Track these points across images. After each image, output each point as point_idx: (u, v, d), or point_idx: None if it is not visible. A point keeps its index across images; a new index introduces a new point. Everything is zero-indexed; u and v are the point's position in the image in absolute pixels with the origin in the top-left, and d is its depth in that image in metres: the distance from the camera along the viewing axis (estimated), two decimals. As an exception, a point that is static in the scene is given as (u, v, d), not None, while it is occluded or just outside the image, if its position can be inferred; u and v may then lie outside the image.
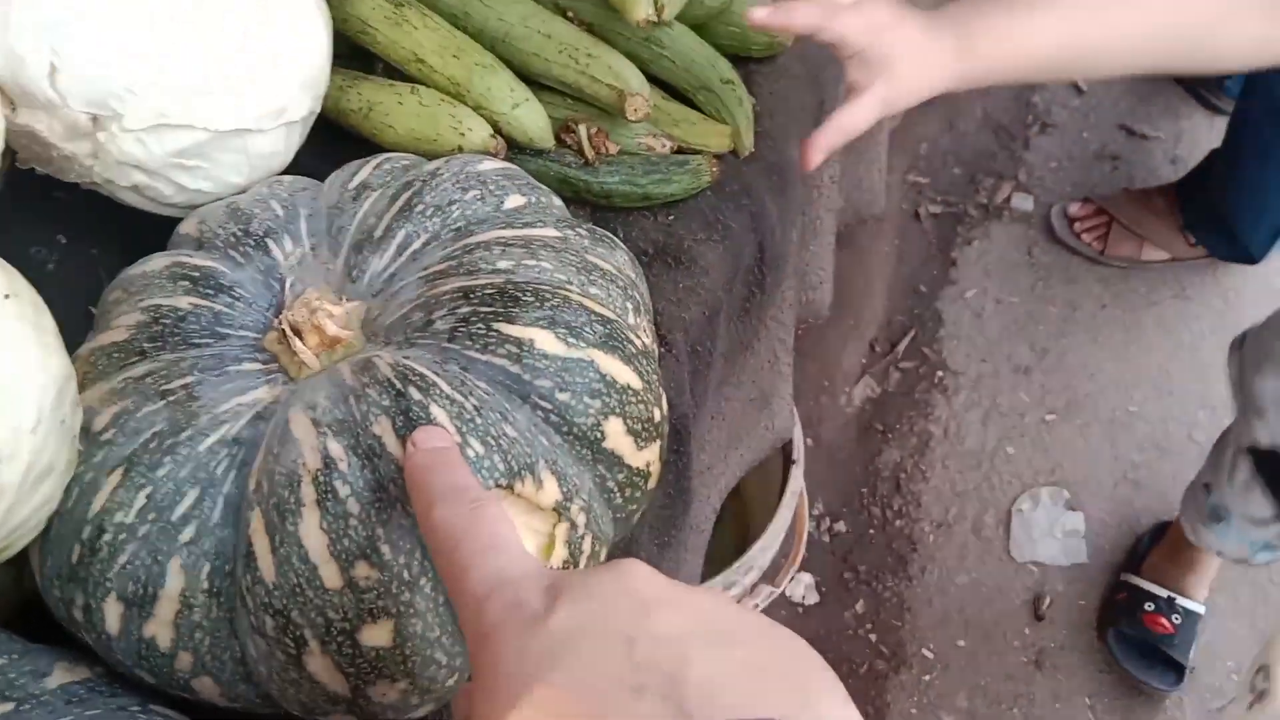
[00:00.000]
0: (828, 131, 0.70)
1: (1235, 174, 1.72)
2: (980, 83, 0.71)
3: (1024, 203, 2.06)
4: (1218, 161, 1.78)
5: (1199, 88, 2.13)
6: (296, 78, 0.66)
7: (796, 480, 1.31)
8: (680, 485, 0.76)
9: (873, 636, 1.61)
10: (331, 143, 0.75)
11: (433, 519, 0.39)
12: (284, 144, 0.67)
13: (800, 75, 0.84)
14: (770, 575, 1.32)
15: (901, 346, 1.89)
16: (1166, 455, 1.72)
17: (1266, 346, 1.21)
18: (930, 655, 1.58)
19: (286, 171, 0.71)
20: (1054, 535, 1.66)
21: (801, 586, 1.67)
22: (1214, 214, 1.79)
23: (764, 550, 1.27)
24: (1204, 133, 2.11)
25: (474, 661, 0.34)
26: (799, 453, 1.32)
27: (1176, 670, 1.50)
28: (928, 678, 1.56)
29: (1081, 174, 2.10)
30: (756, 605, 1.30)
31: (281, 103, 0.65)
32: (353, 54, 0.78)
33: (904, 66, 0.69)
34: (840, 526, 1.73)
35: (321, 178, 0.66)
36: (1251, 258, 1.79)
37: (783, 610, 1.63)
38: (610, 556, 0.59)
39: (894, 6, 0.71)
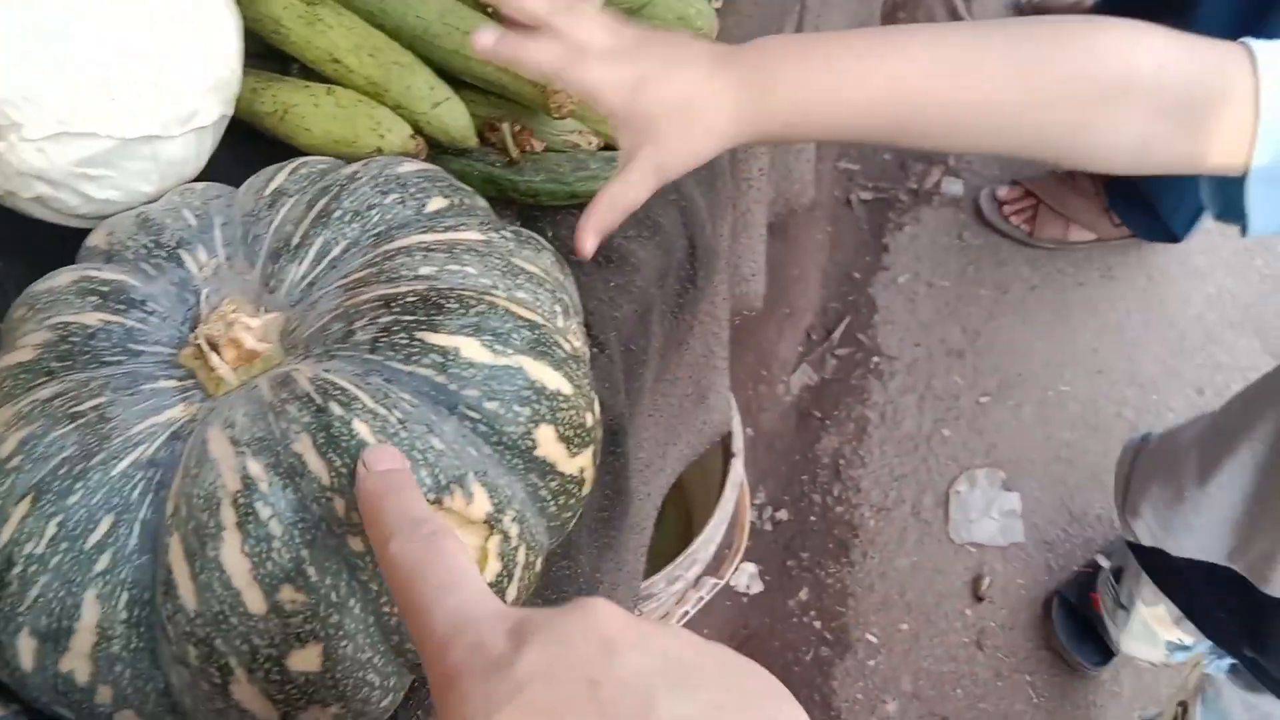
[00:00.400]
0: (598, 211, 0.61)
1: (1156, 155, 1.74)
2: (783, 138, 0.62)
3: (953, 187, 2.08)
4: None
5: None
6: (206, 81, 0.63)
7: (737, 472, 1.31)
8: (618, 486, 0.76)
9: (817, 623, 1.62)
10: (247, 146, 0.73)
11: (390, 553, 0.39)
12: (195, 150, 0.65)
13: (726, 68, 0.83)
14: (714, 567, 1.32)
15: (837, 334, 1.91)
16: (1097, 433, 1.76)
17: (1163, 460, 1.13)
18: (874, 640, 1.59)
19: (200, 178, 0.69)
20: (991, 516, 1.69)
21: (745, 576, 1.67)
22: (1137, 194, 1.82)
23: (707, 543, 1.27)
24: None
25: (438, 704, 0.34)
26: (739, 445, 1.32)
27: (1106, 652, 1.52)
28: (872, 662, 1.57)
29: (1016, 165, 2.13)
30: (701, 597, 1.30)
31: (191, 107, 0.63)
32: (266, 54, 0.75)
33: (671, 129, 0.58)
34: (782, 515, 1.73)
35: (237, 183, 0.64)
36: (1174, 236, 1.83)
37: (727, 600, 1.63)
38: (547, 563, 0.58)
39: (668, 48, 0.60)
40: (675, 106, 0.57)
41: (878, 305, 1.94)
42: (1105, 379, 1.82)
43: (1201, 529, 1.00)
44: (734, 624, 1.62)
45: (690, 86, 0.58)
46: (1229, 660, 1.13)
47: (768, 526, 1.73)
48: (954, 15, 2.33)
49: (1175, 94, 0.59)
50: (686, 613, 1.30)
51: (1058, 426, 1.77)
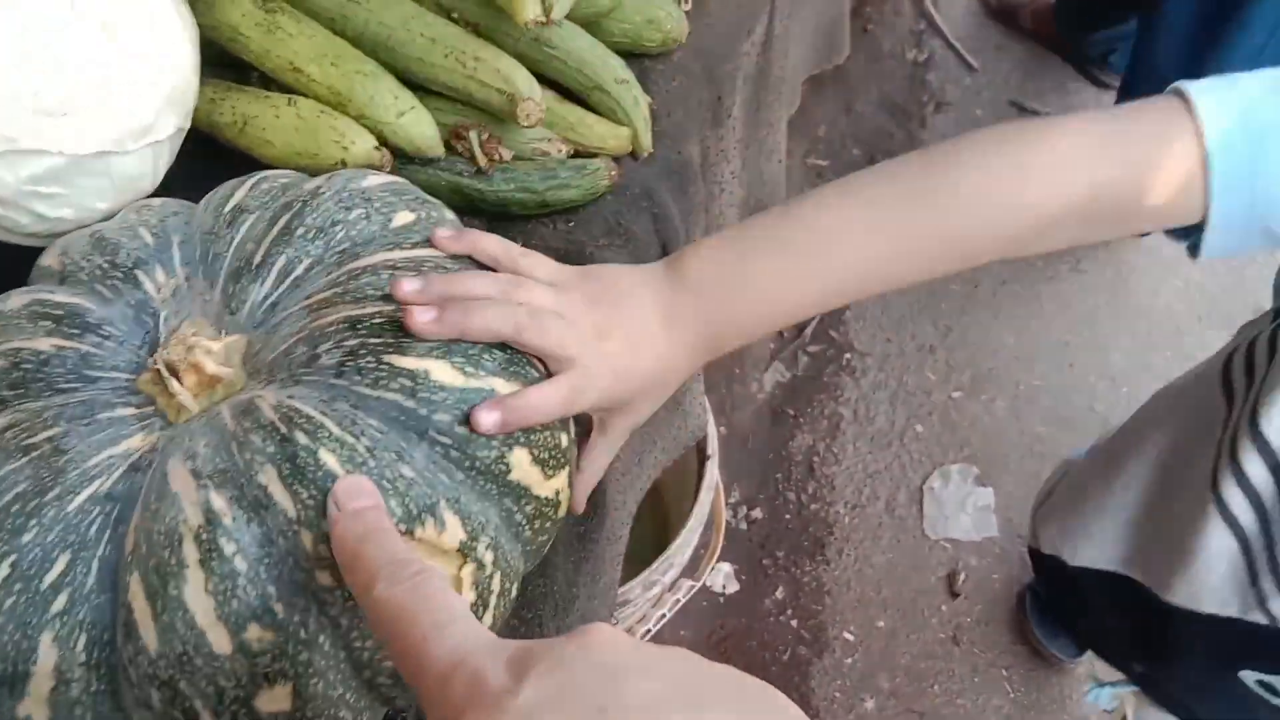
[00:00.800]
0: (586, 483, 0.61)
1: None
2: (729, 349, 0.61)
3: (922, 181, 2.08)
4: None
5: (1087, 64, 2.17)
6: (160, 94, 0.61)
7: (712, 475, 1.30)
8: (595, 500, 0.74)
9: (794, 622, 1.61)
10: (206, 158, 0.71)
11: (375, 597, 0.38)
12: (151, 165, 0.63)
13: (697, 71, 0.82)
14: (690, 569, 1.31)
15: (808, 330, 1.90)
16: (1069, 427, 1.76)
17: (1079, 469, 1.14)
18: (851, 638, 1.59)
19: (157, 193, 0.66)
20: (965, 511, 1.69)
21: (721, 576, 1.67)
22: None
23: (683, 547, 1.26)
24: (1093, 108, 2.15)
25: None
26: (713, 446, 1.31)
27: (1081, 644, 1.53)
28: (850, 660, 1.57)
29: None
30: (678, 600, 1.29)
31: (145, 121, 0.61)
32: (224, 61, 0.73)
33: (645, 401, 0.59)
34: (757, 513, 1.73)
35: (196, 197, 0.62)
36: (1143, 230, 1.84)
37: (704, 601, 1.63)
38: (523, 585, 0.56)
39: (625, 318, 0.57)
40: (645, 387, 0.58)
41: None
42: (1076, 372, 1.83)
43: (1100, 535, 1.00)
44: (710, 624, 1.62)
45: (655, 365, 0.58)
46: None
47: (743, 525, 1.72)
48: (921, 13, 2.33)
49: (1108, 208, 0.59)
50: (663, 616, 1.29)
51: (1030, 421, 1.78)
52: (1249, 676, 0.85)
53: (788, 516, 1.73)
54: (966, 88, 2.22)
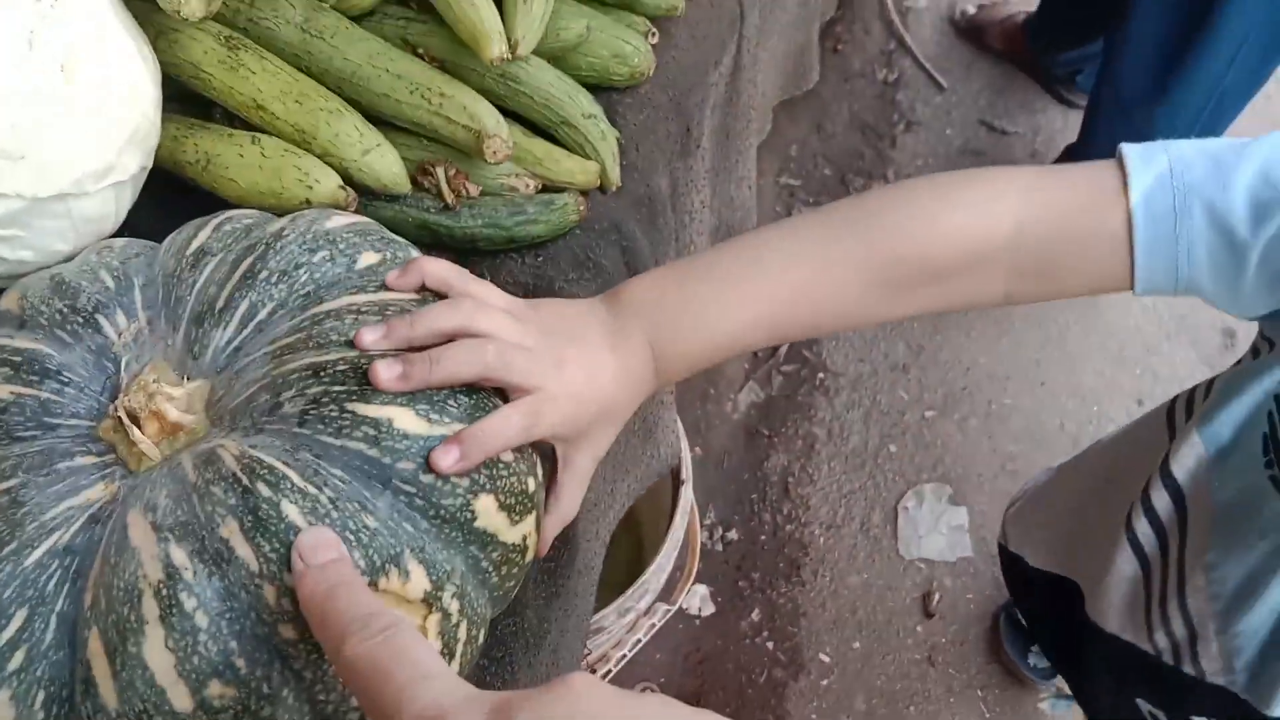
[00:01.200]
0: (551, 527, 0.59)
1: (1090, 168, 1.77)
2: (677, 374, 0.62)
3: (893, 202, 2.09)
4: (1074, 156, 1.84)
5: (1054, 83, 2.20)
6: (122, 134, 0.61)
7: (686, 499, 1.30)
8: (565, 535, 0.74)
9: (770, 644, 1.61)
10: (170, 196, 0.70)
11: (346, 655, 0.37)
12: (113, 206, 0.62)
13: (664, 104, 0.82)
14: (666, 592, 1.30)
15: (782, 350, 1.90)
16: (1041, 445, 1.77)
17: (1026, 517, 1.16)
18: (827, 660, 1.59)
19: (120, 232, 0.66)
20: (939, 531, 1.69)
21: (697, 598, 1.66)
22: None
23: (659, 572, 1.26)
24: (1060, 127, 2.17)
25: None
26: (687, 471, 1.31)
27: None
28: (825, 682, 1.57)
29: (947, 170, 2.14)
30: (653, 624, 1.29)
31: (106, 162, 0.60)
32: (187, 98, 0.73)
33: (601, 432, 0.59)
34: (733, 535, 1.72)
35: (162, 236, 0.61)
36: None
37: (679, 624, 1.62)
38: (493, 624, 0.56)
39: (576, 351, 0.57)
40: (602, 413, 0.58)
41: (822, 321, 1.94)
42: (1048, 391, 1.84)
43: (1053, 541, 1.03)
44: (686, 647, 1.61)
45: (610, 390, 0.58)
46: None
47: (719, 547, 1.72)
48: (891, 33, 2.35)
49: (1034, 254, 0.59)
50: (639, 640, 1.29)
51: (1002, 440, 1.79)
52: (1143, 705, 0.87)
53: (763, 537, 1.73)
54: (936, 106, 2.24)
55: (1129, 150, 0.59)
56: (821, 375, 1.88)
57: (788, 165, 2.16)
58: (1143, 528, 0.80)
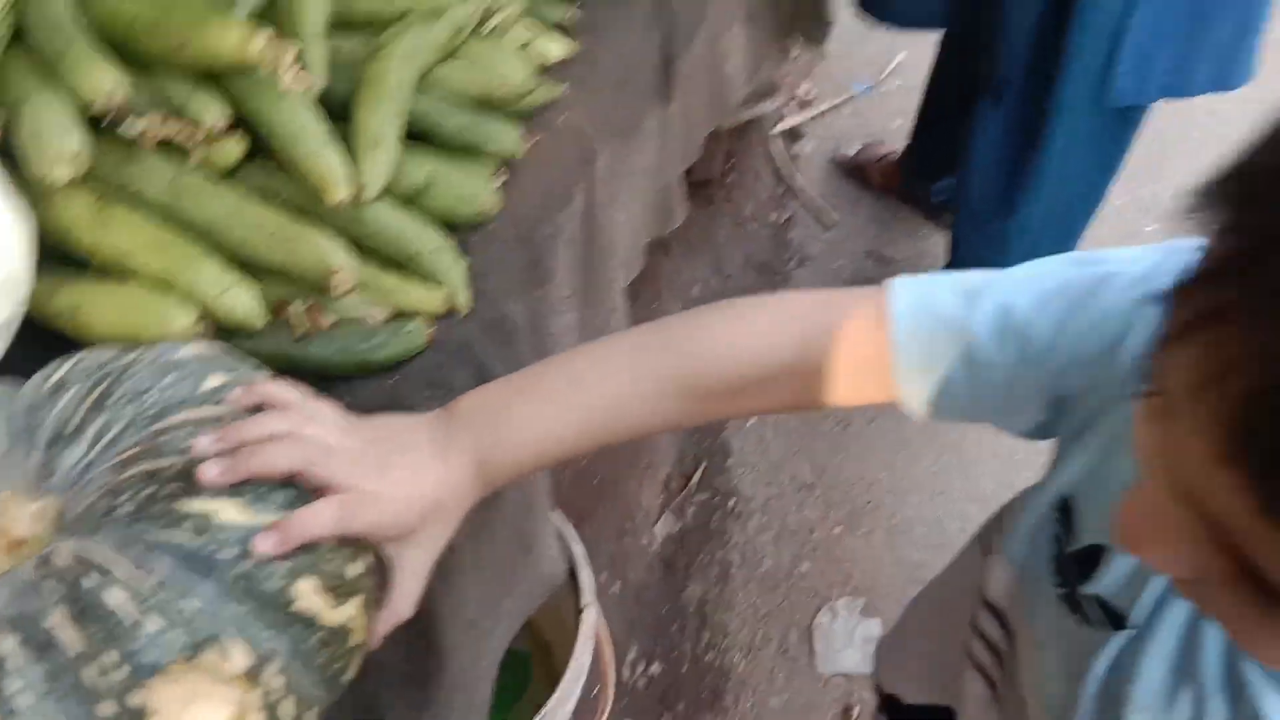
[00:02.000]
0: (383, 621, 0.61)
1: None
2: (505, 477, 0.67)
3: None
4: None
5: (932, 212, 2.35)
6: (-12, 285, 0.66)
7: (589, 624, 1.31)
8: (428, 642, 0.77)
9: (696, 775, 1.61)
10: (41, 343, 0.75)
11: None
12: (-20, 350, 0.67)
13: (510, 237, 0.90)
14: (582, 728, 1.30)
15: (695, 480, 1.96)
16: (945, 551, 1.79)
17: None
18: (752, 784, 1.59)
19: (-5, 374, 0.71)
20: (854, 644, 1.72)
21: (623, 735, 1.66)
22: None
23: (562, 702, 1.27)
24: (942, 250, 2.31)
25: None
26: (588, 597, 1.33)
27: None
28: (752, 807, 1.56)
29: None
30: (573, 761, 1.28)
31: (-27, 311, 0.66)
32: (59, 253, 0.79)
33: (431, 529, 0.62)
34: (655, 669, 1.73)
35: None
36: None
37: (607, 762, 1.61)
38: (328, 716, 0.59)
39: (402, 453, 0.62)
40: (428, 513, 0.62)
41: (731, 449, 2.01)
42: (946, 499, 1.90)
43: (919, 674, 1.04)
44: (615, 785, 1.60)
45: (435, 493, 0.62)
46: None
47: (641, 683, 1.73)
48: (780, 178, 2.50)
49: (814, 374, 0.65)
50: (559, 780, 1.28)
51: (907, 549, 1.84)
52: None
53: (684, 669, 1.74)
54: (826, 242, 2.38)
55: (895, 282, 0.64)
56: (733, 501, 1.93)
57: (690, 305, 2.26)
58: (978, 649, 0.81)
